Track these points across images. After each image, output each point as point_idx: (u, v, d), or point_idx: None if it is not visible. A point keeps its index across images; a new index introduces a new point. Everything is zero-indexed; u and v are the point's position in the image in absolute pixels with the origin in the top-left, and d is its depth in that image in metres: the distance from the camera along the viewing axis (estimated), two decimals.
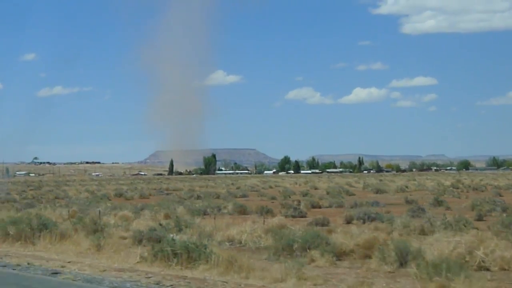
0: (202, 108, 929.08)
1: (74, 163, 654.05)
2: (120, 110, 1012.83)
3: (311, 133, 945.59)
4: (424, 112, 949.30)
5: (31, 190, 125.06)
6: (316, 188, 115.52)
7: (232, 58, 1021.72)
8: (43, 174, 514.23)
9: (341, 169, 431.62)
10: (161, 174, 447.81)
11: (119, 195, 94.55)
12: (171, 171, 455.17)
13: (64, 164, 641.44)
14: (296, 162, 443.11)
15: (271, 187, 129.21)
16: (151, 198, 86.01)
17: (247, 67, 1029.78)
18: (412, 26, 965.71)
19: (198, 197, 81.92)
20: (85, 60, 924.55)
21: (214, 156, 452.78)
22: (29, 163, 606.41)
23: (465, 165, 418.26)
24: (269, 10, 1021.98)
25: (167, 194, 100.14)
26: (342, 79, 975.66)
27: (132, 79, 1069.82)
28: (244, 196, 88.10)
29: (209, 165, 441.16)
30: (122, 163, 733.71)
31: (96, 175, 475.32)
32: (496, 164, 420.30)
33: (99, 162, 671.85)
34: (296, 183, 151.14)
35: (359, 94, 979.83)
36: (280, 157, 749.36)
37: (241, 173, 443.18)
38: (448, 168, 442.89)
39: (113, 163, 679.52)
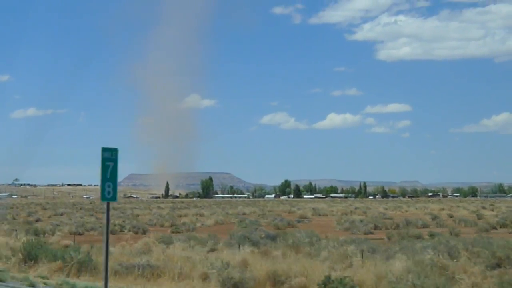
0: (184, 131, 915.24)
1: (55, 185, 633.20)
2: (94, 133, 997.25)
3: (286, 158, 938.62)
4: (398, 138, 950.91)
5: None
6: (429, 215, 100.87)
7: (208, 82, 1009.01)
8: (26, 196, 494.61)
9: (343, 194, 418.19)
10: (158, 197, 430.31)
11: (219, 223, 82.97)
12: (167, 194, 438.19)
13: (45, 186, 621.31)
14: (297, 186, 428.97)
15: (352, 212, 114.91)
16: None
17: (222, 91, 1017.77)
18: (387, 52, 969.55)
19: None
20: (59, 82, 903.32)
21: (211, 179, 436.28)
22: (9, 184, 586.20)
23: (472, 192, 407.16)
24: (245, 34, 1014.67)
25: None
26: (317, 105, 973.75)
27: (108, 101, 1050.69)
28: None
29: (207, 188, 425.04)
30: (94, 185, 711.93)
31: (87, 197, 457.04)
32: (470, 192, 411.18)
33: (80, 184, 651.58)
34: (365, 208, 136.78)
35: (334, 119, 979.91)
36: (255, 181, 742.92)
37: (239, 197, 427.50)
38: (455, 194, 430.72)
39: (94, 185, 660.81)
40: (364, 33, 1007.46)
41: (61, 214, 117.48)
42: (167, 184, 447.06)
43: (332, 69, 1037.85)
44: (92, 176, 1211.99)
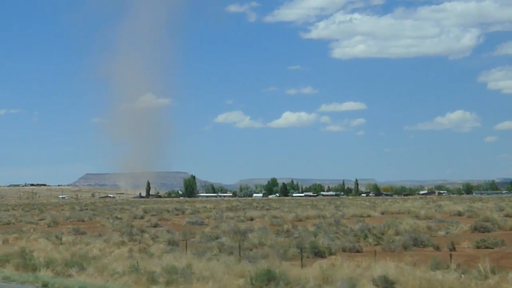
0: (140, 131, 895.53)
1: (18, 185, 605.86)
2: (48, 133, 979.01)
3: (241, 156, 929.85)
4: (352, 136, 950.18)
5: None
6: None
7: (162, 81, 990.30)
8: None
9: (333, 192, 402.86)
10: (142, 197, 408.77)
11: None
12: (148, 193, 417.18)
13: (8, 186, 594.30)
14: (284, 184, 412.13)
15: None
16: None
17: (176, 90, 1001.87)
18: (342, 50, 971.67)
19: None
20: (12, 81, 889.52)
21: (194, 177, 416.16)
22: None
23: (467, 189, 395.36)
24: (200, 33, 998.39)
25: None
26: (272, 103, 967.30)
27: (63, 100, 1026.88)
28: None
29: (191, 187, 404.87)
30: (58, 185, 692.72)
31: (62, 197, 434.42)
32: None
33: (44, 185, 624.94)
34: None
35: (289, 118, 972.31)
36: (211, 180, 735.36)
37: (224, 196, 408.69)
38: (442, 192, 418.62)
39: (59, 185, 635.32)
40: (319, 31, 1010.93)
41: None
42: (148, 184, 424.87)
43: (287, 68, 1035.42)
44: (52, 175, 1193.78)
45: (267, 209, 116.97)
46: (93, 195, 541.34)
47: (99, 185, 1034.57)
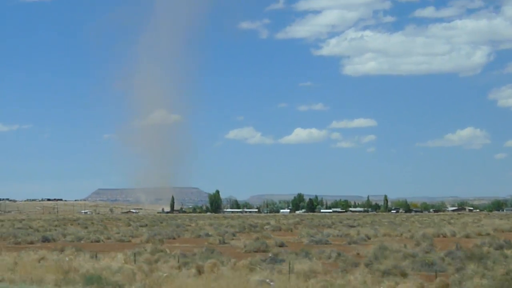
0: (153, 147, 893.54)
1: (35, 200, 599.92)
2: (59, 148, 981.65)
3: (252, 172, 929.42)
4: (363, 153, 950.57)
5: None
6: None
7: (175, 97, 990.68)
8: (9, 211, 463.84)
9: (361, 208, 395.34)
10: (167, 212, 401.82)
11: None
12: (172, 209, 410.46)
13: (25, 201, 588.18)
14: (310, 200, 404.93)
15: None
16: None
17: (188, 106, 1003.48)
18: (353, 67, 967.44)
19: None
20: (24, 97, 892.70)
21: (218, 193, 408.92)
22: None
23: (497, 206, 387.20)
24: (212, 49, 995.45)
25: None
26: (283, 120, 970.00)
27: (73, 116, 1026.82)
28: None
29: (215, 203, 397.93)
30: (75, 200, 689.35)
31: (85, 212, 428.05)
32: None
33: (61, 199, 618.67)
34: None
35: (300, 134, 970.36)
36: (222, 195, 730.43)
37: (249, 211, 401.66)
38: (470, 208, 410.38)
39: (75, 200, 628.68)
40: (331, 48, 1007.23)
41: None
42: (173, 199, 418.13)
43: (298, 84, 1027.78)
44: (64, 191, 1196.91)
45: (353, 226, 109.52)
46: (111, 210, 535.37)
47: (111, 200, 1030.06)
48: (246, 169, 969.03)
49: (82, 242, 69.76)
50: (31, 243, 62.50)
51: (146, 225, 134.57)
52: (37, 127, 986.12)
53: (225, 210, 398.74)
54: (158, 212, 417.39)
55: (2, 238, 73.86)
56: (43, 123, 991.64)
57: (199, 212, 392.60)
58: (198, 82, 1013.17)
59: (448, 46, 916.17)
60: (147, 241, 70.58)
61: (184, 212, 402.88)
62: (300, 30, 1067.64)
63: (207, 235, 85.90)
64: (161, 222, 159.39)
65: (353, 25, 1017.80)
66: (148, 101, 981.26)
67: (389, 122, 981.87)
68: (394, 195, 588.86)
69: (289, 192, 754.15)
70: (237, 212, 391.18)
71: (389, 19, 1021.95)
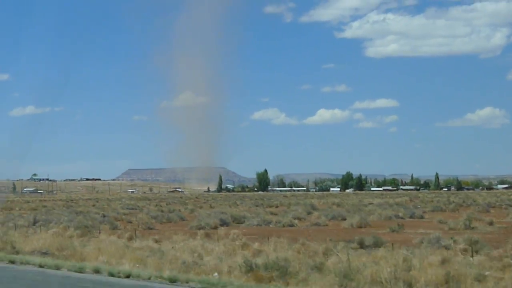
0: (189, 128, 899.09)
1: (74, 180, 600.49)
2: (90, 130, 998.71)
3: (277, 152, 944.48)
4: (385, 133, 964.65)
5: None
6: None
7: (202, 79, 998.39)
8: (51, 191, 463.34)
9: (412, 186, 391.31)
10: (209, 191, 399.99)
11: None
12: (220, 187, 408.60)
13: (64, 180, 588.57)
14: (359, 178, 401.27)
15: None
16: None
17: (214, 89, 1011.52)
18: (376, 49, 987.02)
19: None
20: (55, 80, 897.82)
21: (266, 171, 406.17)
22: (28, 179, 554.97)
23: None
24: (237, 33, 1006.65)
25: None
26: (307, 101, 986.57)
27: (104, 98, 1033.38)
28: None
29: (264, 182, 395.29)
30: (112, 179, 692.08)
31: (132, 191, 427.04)
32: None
33: (99, 179, 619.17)
34: None
35: (323, 115, 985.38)
36: (248, 175, 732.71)
37: (297, 190, 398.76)
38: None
39: (113, 179, 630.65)
40: (353, 30, 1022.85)
41: None
42: (220, 178, 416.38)
43: (322, 66, 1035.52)
44: (97, 170, 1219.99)
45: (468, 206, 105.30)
46: (150, 190, 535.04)
47: (141, 179, 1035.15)
48: (270, 149, 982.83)
49: (271, 226, 62.35)
50: (215, 227, 56.41)
51: (260, 205, 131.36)
52: (69, 109, 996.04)
53: (274, 188, 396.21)
54: (205, 191, 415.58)
55: (159, 221, 69.35)
56: (75, 104, 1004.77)
57: (248, 191, 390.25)
58: (224, 66, 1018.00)
59: (468, 28, 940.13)
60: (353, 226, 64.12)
61: (233, 191, 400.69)
62: (324, 13, 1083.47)
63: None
64: (252, 200, 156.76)
65: (375, 8, 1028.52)
66: (177, 83, 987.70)
67: (410, 102, 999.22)
68: (416, 174, 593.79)
69: (313, 171, 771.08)
70: (286, 190, 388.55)
71: (410, 2, 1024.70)
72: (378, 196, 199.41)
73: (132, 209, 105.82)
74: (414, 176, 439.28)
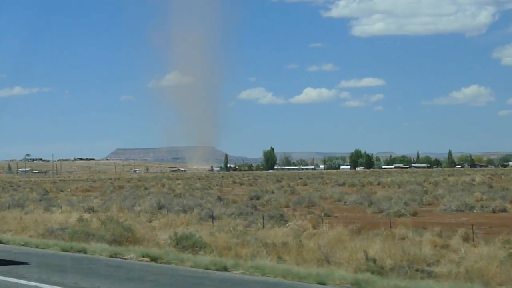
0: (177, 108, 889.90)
1: (68, 160, 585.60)
2: (77, 110, 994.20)
3: (265, 131, 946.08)
4: (371, 111, 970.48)
5: None
6: None
7: (188, 59, 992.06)
8: (46, 171, 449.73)
9: (425, 164, 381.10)
10: (213, 170, 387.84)
11: None
12: (226, 166, 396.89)
13: (58, 161, 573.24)
14: (368, 156, 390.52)
15: None
16: None
17: (201, 69, 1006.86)
18: (362, 28, 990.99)
19: None
20: (44, 60, 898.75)
21: (273, 149, 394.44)
22: (21, 160, 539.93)
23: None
24: (223, 13, 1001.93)
25: None
26: (293, 80, 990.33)
27: (92, 79, 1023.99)
28: None
29: (271, 160, 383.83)
30: (105, 159, 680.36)
31: (134, 171, 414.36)
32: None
33: (93, 159, 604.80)
34: None
35: (310, 94, 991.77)
36: (236, 154, 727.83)
37: (305, 168, 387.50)
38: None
39: (106, 159, 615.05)
40: (339, 9, 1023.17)
41: None
42: (226, 156, 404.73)
43: (309, 45, 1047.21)
44: (84, 150, 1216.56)
45: None
46: (147, 169, 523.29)
47: (130, 159, 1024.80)
48: (258, 128, 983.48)
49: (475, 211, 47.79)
50: (414, 213, 43.38)
51: (342, 184, 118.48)
52: (57, 89, 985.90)
53: (282, 167, 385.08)
54: (209, 170, 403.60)
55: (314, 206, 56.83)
56: (62, 85, 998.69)
57: (255, 170, 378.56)
58: (211, 45, 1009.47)
59: (454, 7, 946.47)
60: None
61: (240, 170, 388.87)
62: None
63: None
64: (303, 179, 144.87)
65: None
66: (164, 63, 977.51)
67: (397, 81, 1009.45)
68: (403, 152, 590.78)
69: (303, 149, 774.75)
70: (294, 169, 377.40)
71: None
72: (420, 173, 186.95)
73: (207, 188, 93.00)
74: (397, 154, 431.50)
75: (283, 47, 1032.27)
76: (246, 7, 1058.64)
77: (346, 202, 56.70)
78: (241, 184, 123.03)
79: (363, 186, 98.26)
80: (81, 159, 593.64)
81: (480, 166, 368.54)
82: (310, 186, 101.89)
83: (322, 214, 40.62)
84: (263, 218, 32.20)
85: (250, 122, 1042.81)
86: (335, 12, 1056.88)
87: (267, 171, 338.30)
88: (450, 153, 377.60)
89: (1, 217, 38.14)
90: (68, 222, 35.26)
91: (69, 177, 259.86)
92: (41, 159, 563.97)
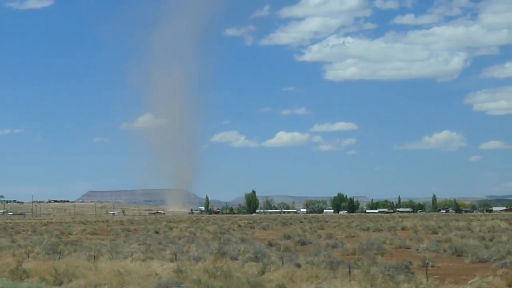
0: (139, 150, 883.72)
1: (42, 202, 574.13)
2: (49, 152, 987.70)
3: (237, 174, 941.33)
4: (344, 155, 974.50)
5: None
6: None
7: (160, 101, 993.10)
8: (23, 213, 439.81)
9: (409, 209, 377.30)
10: (192, 213, 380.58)
11: None
12: (207, 209, 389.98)
13: (32, 202, 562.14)
14: (351, 200, 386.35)
15: None
16: None
17: (174, 111, 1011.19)
18: (335, 73, 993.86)
19: None
20: (15, 101, 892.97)
21: (254, 192, 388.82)
22: None
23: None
24: (197, 55, 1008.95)
25: None
26: (266, 123, 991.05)
27: (64, 121, 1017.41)
28: None
29: (253, 203, 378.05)
30: (80, 201, 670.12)
31: (112, 213, 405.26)
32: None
33: (67, 201, 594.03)
34: None
35: (283, 137, 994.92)
36: (210, 197, 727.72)
37: (287, 212, 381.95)
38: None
39: (81, 201, 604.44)
40: (313, 54, 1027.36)
41: None
42: (207, 199, 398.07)
43: (282, 89, 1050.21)
44: (56, 192, 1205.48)
45: None
46: (123, 212, 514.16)
47: (103, 201, 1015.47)
48: (231, 171, 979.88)
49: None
50: (485, 260, 39.32)
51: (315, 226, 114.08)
52: (28, 131, 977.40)
53: (264, 210, 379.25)
54: (189, 213, 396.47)
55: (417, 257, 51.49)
56: (34, 127, 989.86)
57: (236, 213, 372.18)
58: (184, 88, 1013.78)
59: (426, 52, 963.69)
60: None
61: (217, 212, 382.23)
62: (284, 36, 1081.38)
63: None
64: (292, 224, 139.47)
65: (335, 32, 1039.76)
66: (139, 105, 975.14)
67: (369, 125, 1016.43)
68: (376, 196, 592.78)
69: (275, 193, 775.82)
70: (277, 212, 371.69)
71: (369, 26, 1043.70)
72: (413, 217, 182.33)
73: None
74: (371, 198, 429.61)
75: (256, 90, 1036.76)
76: (222, 50, 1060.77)
77: (418, 250, 51.68)
78: (250, 227, 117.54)
79: (393, 231, 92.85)
80: (55, 201, 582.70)
81: (466, 211, 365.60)
82: (327, 230, 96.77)
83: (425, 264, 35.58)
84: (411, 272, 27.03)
85: (223, 165, 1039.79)
86: (308, 56, 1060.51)
87: (250, 215, 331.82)
88: (434, 198, 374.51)
89: (71, 267, 32.45)
90: (163, 273, 29.96)
91: (51, 219, 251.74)
92: (15, 201, 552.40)
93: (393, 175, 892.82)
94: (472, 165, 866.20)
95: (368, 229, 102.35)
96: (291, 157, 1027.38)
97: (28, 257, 45.84)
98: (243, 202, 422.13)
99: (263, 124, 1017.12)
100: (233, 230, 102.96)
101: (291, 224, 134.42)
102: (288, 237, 69.62)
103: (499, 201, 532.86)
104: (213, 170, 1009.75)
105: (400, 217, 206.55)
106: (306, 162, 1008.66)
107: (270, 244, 56.71)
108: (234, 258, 41.96)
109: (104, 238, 79.09)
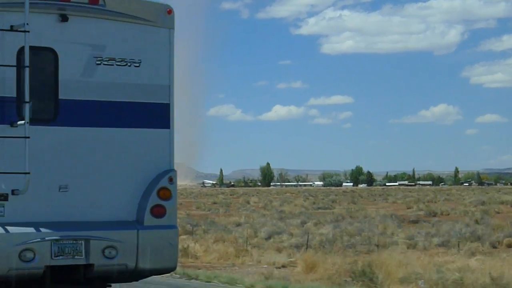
0: None
1: None
2: None
3: (234, 148, 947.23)
4: (340, 129, 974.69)
5: None
6: None
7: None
8: None
9: (429, 182, 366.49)
10: (205, 186, 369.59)
11: None
12: (221, 182, 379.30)
13: None
14: (369, 173, 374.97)
15: None
16: None
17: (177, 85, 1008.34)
18: (331, 46, 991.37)
19: None
20: None
21: (269, 165, 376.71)
22: None
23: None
24: (194, 29, 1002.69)
25: None
26: (263, 97, 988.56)
27: None
28: None
29: (269, 176, 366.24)
30: None
31: None
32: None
33: None
34: None
35: (279, 111, 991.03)
36: (207, 171, 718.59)
37: (304, 185, 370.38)
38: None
39: None
40: (309, 27, 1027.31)
41: None
42: (221, 171, 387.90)
43: (278, 63, 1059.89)
44: None
45: None
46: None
47: None
48: (227, 145, 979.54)
49: None
50: None
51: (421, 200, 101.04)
52: None
53: (281, 183, 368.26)
54: (202, 186, 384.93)
55: None
56: None
57: (252, 186, 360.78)
58: (178, 61, 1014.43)
59: (423, 25, 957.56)
60: None
61: (233, 185, 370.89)
62: (280, 9, 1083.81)
63: None
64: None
65: (331, 5, 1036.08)
66: None
67: (365, 99, 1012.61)
68: (371, 169, 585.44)
69: (272, 166, 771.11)
70: (293, 185, 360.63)
71: None
72: (463, 190, 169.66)
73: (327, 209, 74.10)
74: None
75: (252, 64, 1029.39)
76: (219, 23, 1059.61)
77: None
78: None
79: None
80: None
81: (488, 184, 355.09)
82: (437, 205, 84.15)
83: None
84: None
85: (220, 139, 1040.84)
86: (305, 29, 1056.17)
87: (268, 187, 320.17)
88: (456, 170, 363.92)
89: (379, 262, 19.65)
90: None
91: None
92: None
93: (389, 148, 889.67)
94: (469, 138, 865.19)
95: (483, 203, 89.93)
96: (287, 130, 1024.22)
97: None
98: (239, 176, 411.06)
99: (260, 97, 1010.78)
100: (338, 205, 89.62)
101: (361, 198, 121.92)
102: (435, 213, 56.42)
103: (495, 174, 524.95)
104: (209, 144, 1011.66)
105: (420, 190, 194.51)
106: (302, 135, 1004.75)
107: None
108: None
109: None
